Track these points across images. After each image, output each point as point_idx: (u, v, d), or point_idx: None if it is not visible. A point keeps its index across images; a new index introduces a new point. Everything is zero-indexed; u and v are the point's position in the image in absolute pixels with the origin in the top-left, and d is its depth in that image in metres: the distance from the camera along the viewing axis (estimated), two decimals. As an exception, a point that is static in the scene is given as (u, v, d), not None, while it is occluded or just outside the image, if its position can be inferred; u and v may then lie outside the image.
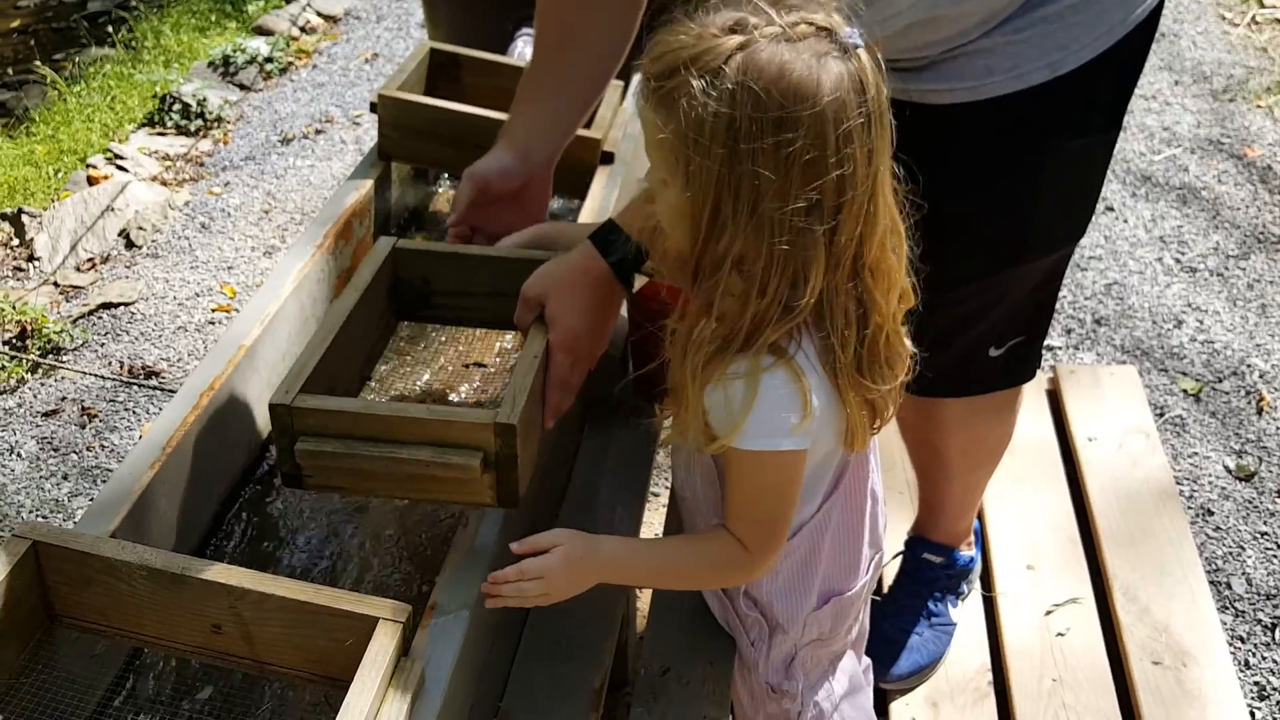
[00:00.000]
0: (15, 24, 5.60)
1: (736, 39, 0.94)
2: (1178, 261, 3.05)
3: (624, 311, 1.73)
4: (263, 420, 1.51)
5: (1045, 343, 2.69)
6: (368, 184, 1.80)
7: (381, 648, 1.03)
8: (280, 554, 1.39)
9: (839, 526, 1.24)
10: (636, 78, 1.29)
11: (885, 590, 2.01)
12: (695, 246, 1.01)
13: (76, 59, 4.90)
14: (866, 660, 1.50)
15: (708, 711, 1.30)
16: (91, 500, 2.36)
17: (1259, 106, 3.76)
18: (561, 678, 1.30)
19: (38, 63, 4.68)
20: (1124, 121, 1.49)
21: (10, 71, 5.01)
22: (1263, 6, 4.42)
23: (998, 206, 1.42)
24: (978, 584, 2.06)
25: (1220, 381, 2.63)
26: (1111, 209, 3.26)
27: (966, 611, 2.02)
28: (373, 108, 1.82)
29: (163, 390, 2.73)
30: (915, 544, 1.97)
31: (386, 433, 1.15)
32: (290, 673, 1.13)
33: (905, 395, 1.68)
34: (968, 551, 2.00)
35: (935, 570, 1.95)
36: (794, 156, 0.94)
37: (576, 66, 1.43)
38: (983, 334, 1.59)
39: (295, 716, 1.18)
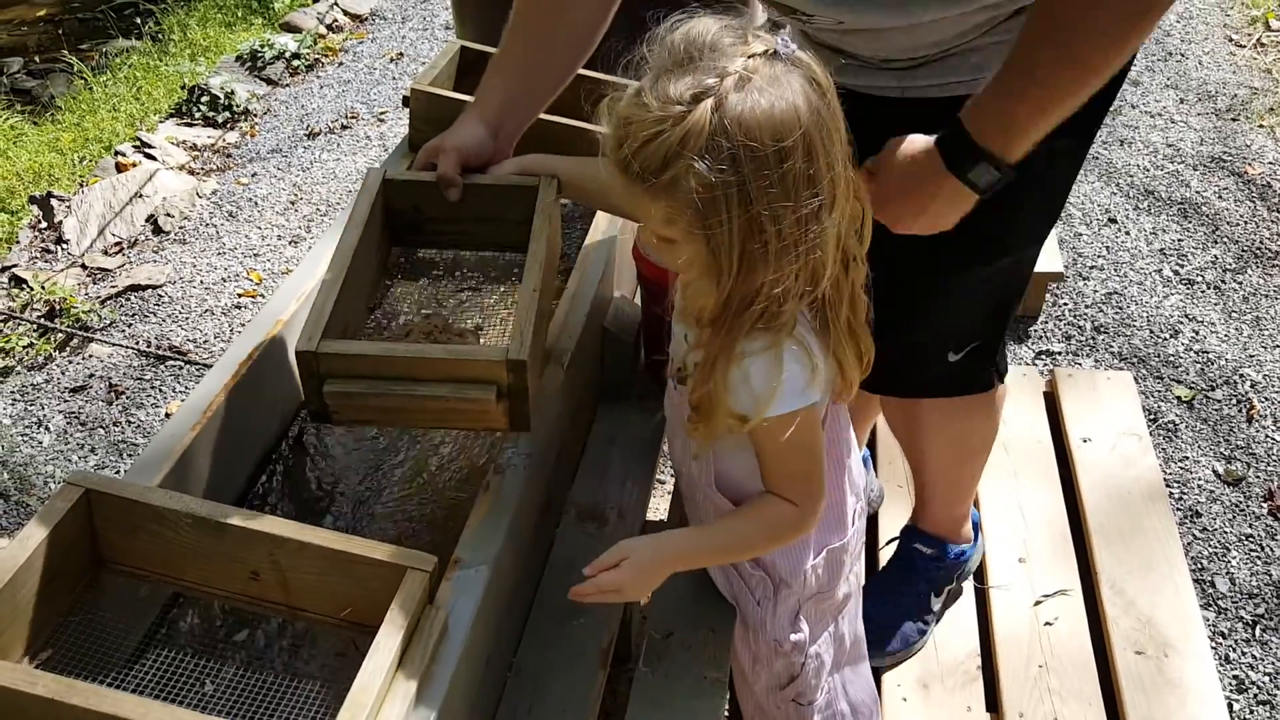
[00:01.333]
0: (41, 13, 5.70)
1: (707, 104, 0.96)
2: (1176, 274, 3.13)
3: (636, 299, 1.81)
4: (295, 391, 1.60)
5: (1044, 348, 2.80)
6: (397, 173, 1.88)
7: (409, 594, 1.12)
8: (310, 517, 1.47)
9: (826, 478, 1.31)
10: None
11: (876, 573, 2.08)
12: (725, 292, 1.06)
13: (103, 49, 5.01)
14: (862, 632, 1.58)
15: (708, 672, 1.38)
16: (118, 474, 2.46)
17: (1261, 126, 3.84)
18: (572, 636, 1.39)
19: (64, 51, 4.78)
20: (1099, 134, 1.52)
21: (37, 60, 5.11)
22: (1269, 29, 4.50)
23: (982, 201, 1.45)
24: (970, 577, 2.14)
25: (1213, 390, 2.71)
26: (1114, 221, 3.34)
27: (959, 600, 2.09)
28: (405, 101, 1.90)
29: (192, 365, 2.82)
30: (909, 533, 2.04)
31: (408, 372, 1.23)
32: (321, 618, 1.22)
33: (885, 402, 1.75)
34: (960, 545, 2.04)
35: (925, 560, 2.01)
36: (798, 177, 0.99)
37: (554, 52, 1.47)
38: (943, 334, 1.61)
39: (323, 659, 1.25)
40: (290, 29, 4.77)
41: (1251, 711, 2.00)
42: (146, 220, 3.42)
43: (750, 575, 1.35)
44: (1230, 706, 1.99)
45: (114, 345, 2.90)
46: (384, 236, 1.49)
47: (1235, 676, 2.05)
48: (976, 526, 2.12)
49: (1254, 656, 2.09)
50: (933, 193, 1.25)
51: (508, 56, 1.48)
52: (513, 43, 1.48)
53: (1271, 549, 2.29)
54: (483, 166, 1.46)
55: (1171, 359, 2.81)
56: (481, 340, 1.47)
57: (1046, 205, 1.53)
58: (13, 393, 2.77)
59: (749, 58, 0.99)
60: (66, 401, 2.74)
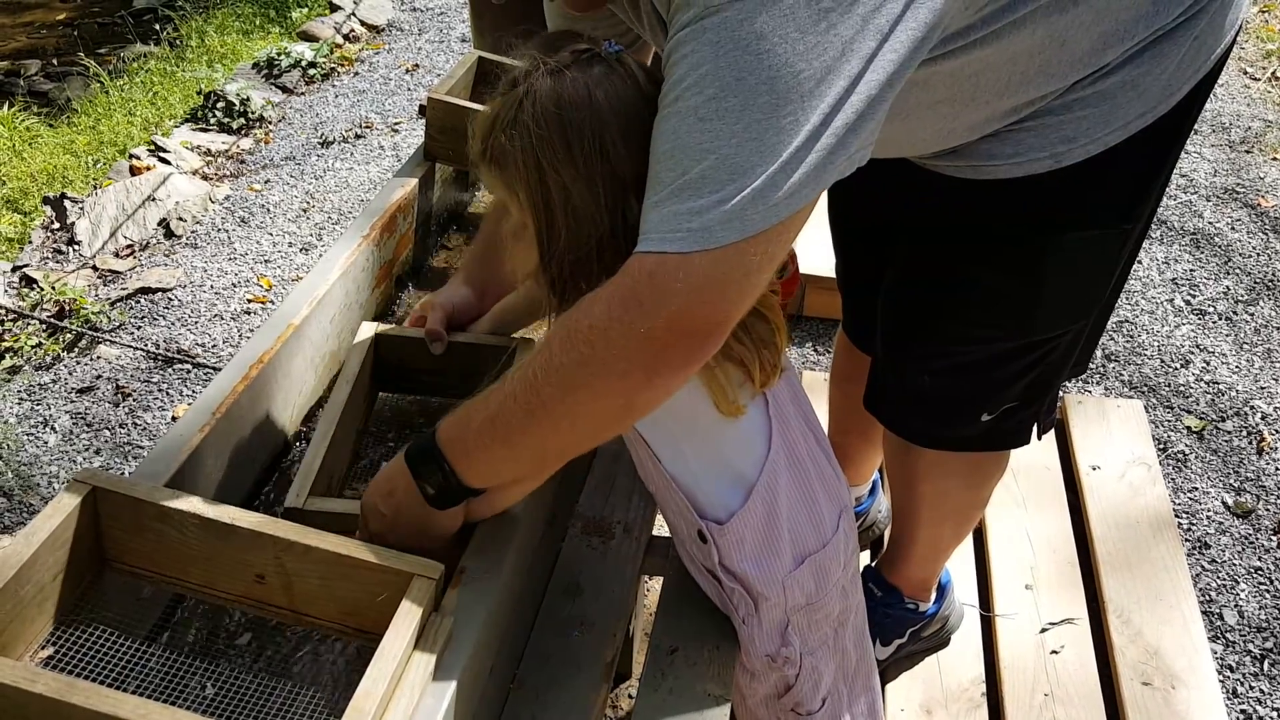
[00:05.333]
0: (61, 16, 5.74)
1: (520, 89, 1.10)
2: (1188, 304, 3.12)
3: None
4: (305, 395, 1.60)
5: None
6: (413, 182, 1.89)
7: (415, 602, 1.11)
8: (315, 521, 1.47)
9: (789, 484, 1.29)
10: None
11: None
12: (539, 249, 1.15)
13: (120, 54, 5.04)
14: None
15: (711, 689, 1.36)
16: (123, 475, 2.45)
17: (1275, 159, 3.84)
18: (575, 651, 1.37)
19: (81, 55, 4.81)
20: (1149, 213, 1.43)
21: (55, 63, 5.14)
22: (1285, 62, 4.51)
23: (998, 282, 1.42)
24: (977, 606, 2.13)
25: (1223, 421, 2.70)
26: (1126, 250, 3.34)
27: (964, 625, 2.08)
28: (421, 110, 1.91)
29: (199, 367, 2.82)
30: (870, 572, 1.98)
31: None
32: (325, 623, 1.21)
33: (888, 435, 1.74)
34: (919, 603, 1.97)
35: (874, 602, 1.93)
36: (587, 151, 1.08)
37: None
38: (976, 396, 1.57)
39: (327, 665, 1.25)
40: (307, 38, 4.79)
41: (1258, 746, 1.98)
42: (158, 224, 3.43)
43: (731, 590, 1.34)
44: (1237, 740, 1.97)
45: (122, 347, 2.90)
46: (371, 386, 1.59)
47: (1243, 711, 2.03)
48: (944, 588, 2.02)
49: (1262, 691, 2.07)
50: (390, 479, 1.20)
51: (493, 231, 1.53)
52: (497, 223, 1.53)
53: (1280, 582, 2.28)
54: (469, 323, 1.55)
55: (1182, 389, 2.80)
56: None
57: (1075, 292, 1.45)
58: (20, 392, 2.77)
59: (570, 53, 1.11)
60: (73, 402, 2.74)
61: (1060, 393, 2.74)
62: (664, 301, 0.98)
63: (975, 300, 1.45)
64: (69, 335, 2.93)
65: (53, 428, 2.67)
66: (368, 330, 1.55)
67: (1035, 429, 1.65)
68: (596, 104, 1.08)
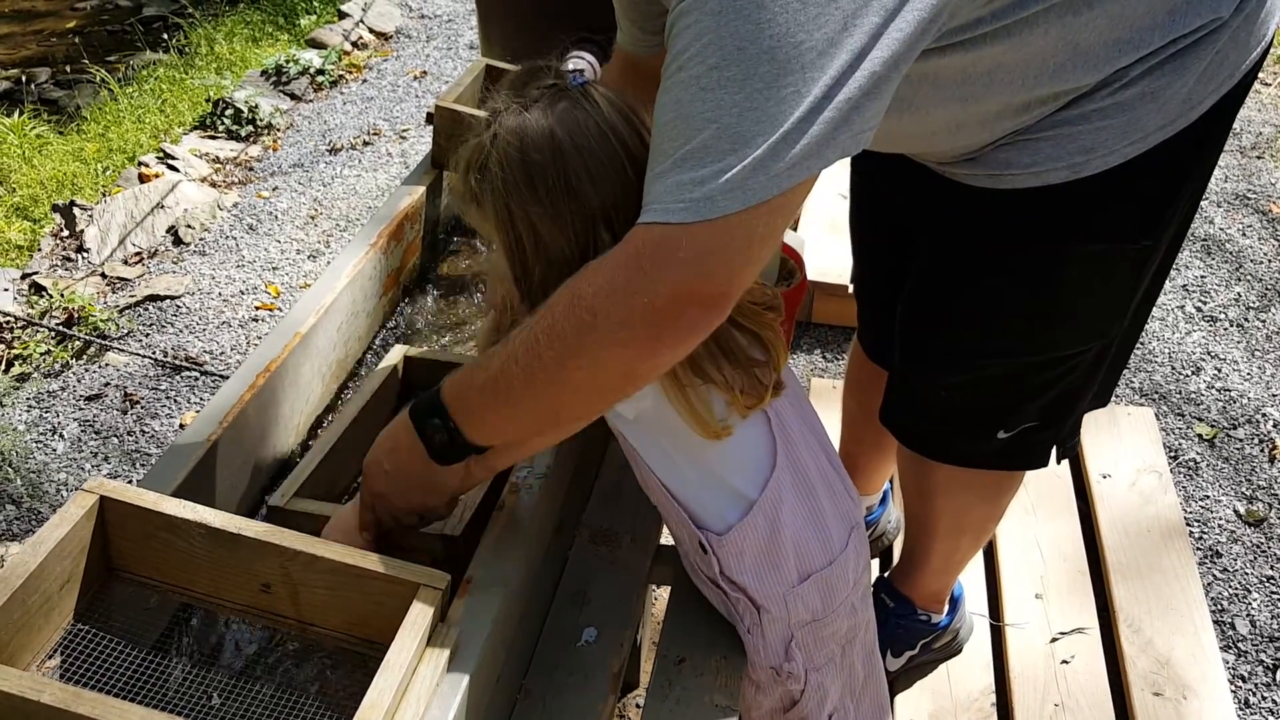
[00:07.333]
0: (71, 24, 5.76)
1: (490, 130, 1.13)
2: (1199, 310, 3.11)
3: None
4: (311, 403, 1.59)
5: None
6: (420, 190, 1.88)
7: (421, 611, 1.10)
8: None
9: (795, 503, 1.28)
10: None
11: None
12: (515, 279, 1.18)
13: (130, 61, 5.05)
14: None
15: (718, 700, 1.36)
16: (131, 483, 2.45)
17: (1286, 165, 3.83)
18: (583, 659, 1.37)
19: (91, 62, 4.82)
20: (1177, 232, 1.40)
21: (68, 70, 5.15)
22: (1295, 68, 4.49)
23: (1016, 295, 1.41)
24: (986, 614, 2.12)
25: (1235, 428, 2.68)
26: (1136, 257, 3.32)
27: (974, 634, 2.07)
28: (429, 117, 1.91)
29: (207, 375, 2.82)
30: (882, 583, 1.97)
31: None
32: (331, 633, 1.20)
33: (902, 449, 1.73)
34: (931, 614, 1.96)
35: (886, 613, 1.91)
36: (552, 187, 1.10)
37: None
38: (994, 412, 1.55)
39: (332, 675, 1.24)
40: (316, 45, 4.80)
41: (1271, 757, 1.97)
42: (167, 231, 3.43)
43: (735, 600, 1.33)
44: (1249, 751, 1.96)
45: (130, 354, 2.90)
46: (397, 409, 1.56)
47: (1254, 721, 2.02)
48: (957, 600, 2.01)
49: (1274, 701, 2.05)
50: (394, 435, 1.22)
51: None
52: None
53: (1293, 591, 2.26)
54: None
55: (1193, 396, 2.79)
56: None
57: (1093, 308, 1.42)
58: (29, 399, 2.77)
59: (539, 89, 1.14)
60: (82, 409, 2.74)
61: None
62: (667, 271, 0.98)
63: (992, 311, 1.44)
64: (77, 342, 2.93)
65: (61, 435, 2.67)
66: (397, 353, 1.54)
67: (1055, 452, 1.62)
68: (559, 142, 1.10)
